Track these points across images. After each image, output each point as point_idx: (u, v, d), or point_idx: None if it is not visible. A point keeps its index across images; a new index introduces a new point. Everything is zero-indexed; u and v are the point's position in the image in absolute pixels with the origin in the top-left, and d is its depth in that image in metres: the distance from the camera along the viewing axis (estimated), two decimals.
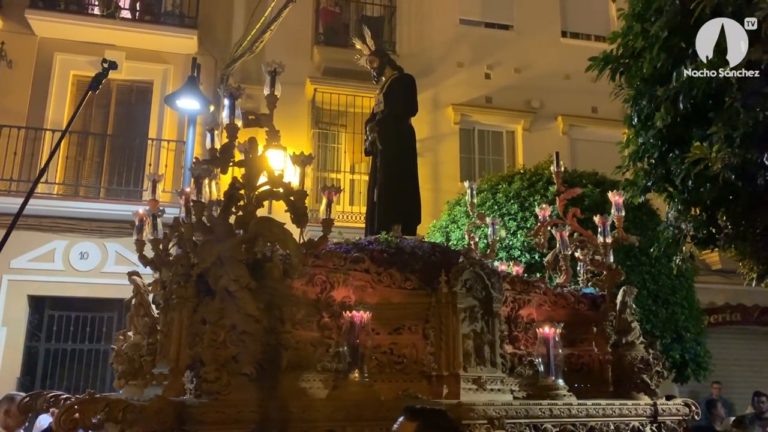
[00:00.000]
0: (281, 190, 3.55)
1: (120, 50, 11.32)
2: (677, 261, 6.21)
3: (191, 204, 3.72)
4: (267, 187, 3.55)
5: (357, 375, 3.60)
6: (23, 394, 5.85)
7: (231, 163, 3.55)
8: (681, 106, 4.98)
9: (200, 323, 3.55)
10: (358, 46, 6.06)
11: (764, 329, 13.47)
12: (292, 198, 3.49)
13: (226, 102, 3.70)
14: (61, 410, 2.84)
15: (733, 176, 4.65)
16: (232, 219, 3.65)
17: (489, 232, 5.66)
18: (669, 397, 5.17)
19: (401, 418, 2.51)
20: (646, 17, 5.40)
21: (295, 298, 3.63)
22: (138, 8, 12.29)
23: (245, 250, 3.32)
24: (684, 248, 5.96)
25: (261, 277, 3.36)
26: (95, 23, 11.57)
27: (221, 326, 3.18)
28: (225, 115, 3.69)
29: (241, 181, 3.64)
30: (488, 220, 5.78)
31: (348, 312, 3.71)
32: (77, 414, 2.79)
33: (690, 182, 5.03)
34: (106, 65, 3.51)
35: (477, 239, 5.90)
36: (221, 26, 12.34)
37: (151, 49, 11.74)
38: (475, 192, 5.92)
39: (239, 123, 3.68)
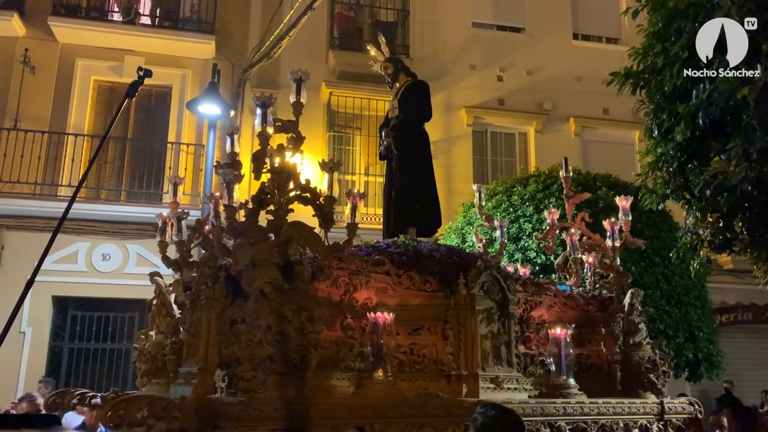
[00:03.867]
0: (309, 195, 3.71)
1: (140, 56, 11.56)
2: (695, 265, 6.38)
3: (223, 208, 3.87)
4: (296, 192, 3.70)
5: (381, 374, 3.73)
6: (37, 394, 5.92)
7: (265, 170, 3.71)
8: (700, 121, 5.16)
9: (229, 323, 3.72)
10: (372, 53, 6.20)
11: None
12: (320, 203, 3.65)
13: (258, 110, 3.85)
14: (107, 406, 3.01)
15: (750, 187, 4.83)
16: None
17: (498, 234, 5.80)
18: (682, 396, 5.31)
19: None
20: (666, 36, 5.57)
21: (322, 299, 3.78)
22: (157, 14, 12.52)
23: (278, 253, 3.47)
24: (702, 253, 6.13)
25: (291, 279, 3.51)
26: (116, 29, 11.83)
27: (257, 326, 3.33)
28: (257, 123, 3.83)
29: (269, 186, 3.79)
30: (496, 222, 5.92)
31: (371, 313, 3.85)
32: (122, 410, 2.96)
33: (708, 192, 5.22)
34: (141, 73, 3.53)
35: (484, 240, 6.06)
36: (238, 31, 12.54)
37: (169, 54, 11.98)
38: (483, 195, 6.05)
39: (271, 130, 3.82)
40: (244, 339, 3.30)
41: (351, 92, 12.42)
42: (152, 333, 4.80)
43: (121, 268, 10.93)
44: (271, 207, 3.76)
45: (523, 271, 5.58)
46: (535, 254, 8.11)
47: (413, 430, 3.65)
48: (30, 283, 2.94)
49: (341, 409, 3.52)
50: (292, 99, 4.04)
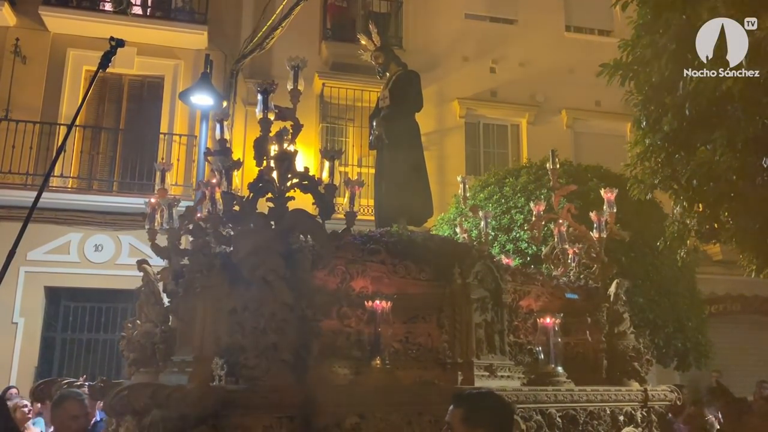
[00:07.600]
0: (308, 183, 3.72)
1: (131, 46, 11.43)
2: (682, 254, 6.46)
3: (221, 195, 3.88)
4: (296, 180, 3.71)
5: (379, 362, 3.78)
6: None
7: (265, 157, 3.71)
8: (687, 112, 5.23)
9: (227, 312, 3.72)
10: (363, 42, 6.19)
11: (764, 319, 13.69)
12: (320, 191, 3.66)
13: (259, 96, 3.83)
14: (112, 394, 3.03)
15: (735, 177, 4.92)
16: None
17: (482, 225, 5.85)
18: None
19: (451, 407, 2.58)
20: (654, 28, 5.63)
21: (321, 287, 3.80)
22: (149, 4, 12.43)
23: (281, 241, 3.49)
24: (688, 242, 6.22)
25: (292, 267, 3.52)
26: (107, 19, 11.68)
27: (261, 314, 3.33)
28: (258, 109, 3.82)
29: (267, 173, 3.78)
30: (481, 213, 5.94)
31: (368, 302, 3.88)
32: (125, 399, 2.98)
33: (695, 182, 5.31)
34: (113, 43, 3.41)
35: (468, 232, 6.11)
36: (231, 22, 12.48)
37: (162, 44, 11.90)
38: (467, 186, 6.11)
39: (272, 117, 3.82)
40: (248, 327, 3.29)
41: (344, 83, 12.40)
42: (139, 322, 4.78)
43: (113, 258, 10.90)
44: (269, 195, 3.76)
45: (507, 261, 5.63)
46: (526, 245, 8.16)
47: (413, 417, 3.69)
48: (11, 254, 2.91)
49: (344, 396, 3.55)
50: (290, 87, 4.04)
